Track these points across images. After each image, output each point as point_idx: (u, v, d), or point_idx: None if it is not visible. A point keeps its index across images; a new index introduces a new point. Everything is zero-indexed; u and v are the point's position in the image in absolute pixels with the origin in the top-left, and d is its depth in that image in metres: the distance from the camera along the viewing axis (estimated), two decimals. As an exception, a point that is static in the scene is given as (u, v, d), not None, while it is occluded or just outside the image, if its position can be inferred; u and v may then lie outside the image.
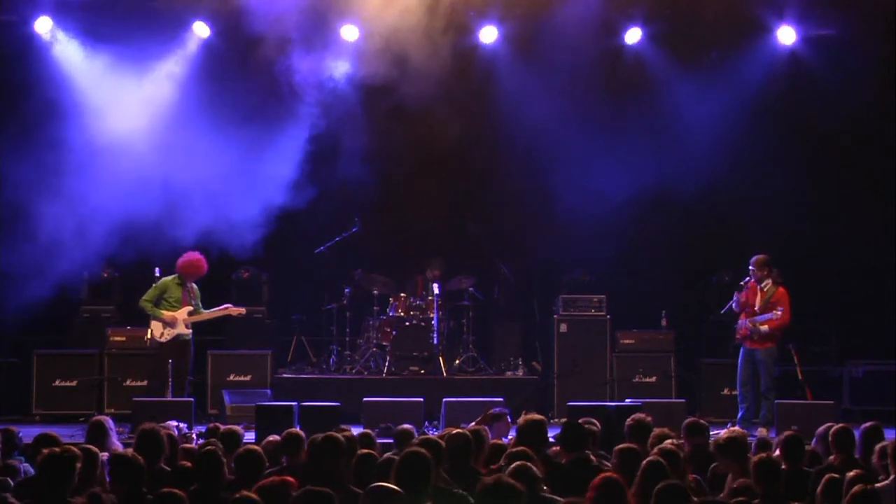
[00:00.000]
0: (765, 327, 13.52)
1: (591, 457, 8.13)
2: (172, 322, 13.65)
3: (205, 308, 13.92)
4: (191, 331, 13.78)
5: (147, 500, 6.55)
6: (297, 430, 8.96)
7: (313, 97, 15.43)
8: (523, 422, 8.49)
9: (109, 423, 9.15)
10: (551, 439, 8.55)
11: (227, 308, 14.07)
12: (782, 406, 13.21)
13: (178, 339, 13.66)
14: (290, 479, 6.73)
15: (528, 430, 8.32)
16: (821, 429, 9.24)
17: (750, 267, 13.72)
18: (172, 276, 13.82)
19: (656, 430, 8.78)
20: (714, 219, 16.17)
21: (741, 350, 13.77)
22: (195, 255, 13.86)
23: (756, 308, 13.60)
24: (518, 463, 6.93)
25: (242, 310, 14.22)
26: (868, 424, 8.85)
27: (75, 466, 6.54)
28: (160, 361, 13.67)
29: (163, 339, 13.63)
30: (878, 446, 7.93)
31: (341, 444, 7.66)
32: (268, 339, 15.74)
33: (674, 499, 6.15)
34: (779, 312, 13.41)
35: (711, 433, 9.65)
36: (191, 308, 13.74)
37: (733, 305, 13.85)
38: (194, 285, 13.87)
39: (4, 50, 15.28)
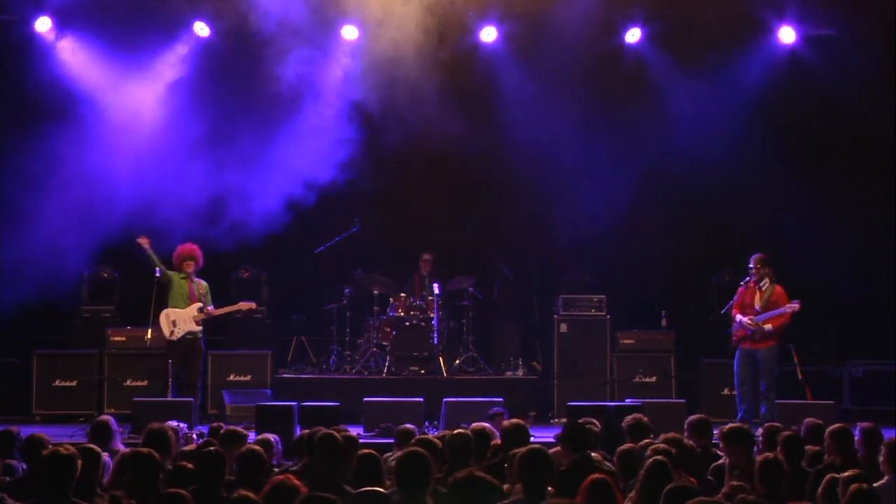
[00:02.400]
0: (768, 326, 13.49)
1: (594, 457, 8.12)
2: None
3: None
4: (201, 328, 13.75)
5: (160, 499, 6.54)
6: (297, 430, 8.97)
7: (312, 97, 15.43)
8: (508, 425, 8.54)
9: (114, 423, 9.14)
10: (552, 439, 8.55)
11: (238, 305, 14.17)
12: (782, 406, 13.20)
13: (187, 337, 13.64)
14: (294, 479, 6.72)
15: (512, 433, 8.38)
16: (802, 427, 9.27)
17: (750, 265, 13.70)
18: (175, 273, 13.80)
19: (663, 436, 8.70)
20: (714, 219, 16.18)
21: (737, 351, 13.74)
22: (186, 244, 13.85)
23: (757, 308, 13.58)
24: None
25: (252, 304, 14.40)
26: (867, 425, 8.83)
27: (76, 465, 6.52)
28: (165, 361, 13.63)
29: (173, 338, 13.60)
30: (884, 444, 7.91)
31: (341, 444, 7.66)
32: (268, 339, 15.74)
33: (683, 501, 6.13)
34: (796, 304, 13.35)
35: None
36: (200, 304, 13.73)
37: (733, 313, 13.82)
38: (203, 282, 13.85)
39: (4, 50, 15.29)
